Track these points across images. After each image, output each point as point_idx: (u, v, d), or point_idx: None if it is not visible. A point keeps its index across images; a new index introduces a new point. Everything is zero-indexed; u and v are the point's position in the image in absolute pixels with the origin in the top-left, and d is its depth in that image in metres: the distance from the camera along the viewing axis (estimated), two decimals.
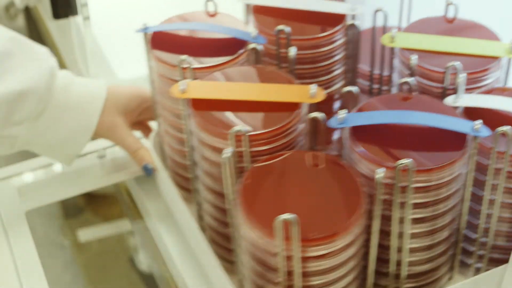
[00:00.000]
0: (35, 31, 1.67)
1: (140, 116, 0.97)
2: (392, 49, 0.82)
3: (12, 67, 0.86)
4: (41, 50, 0.89)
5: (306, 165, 0.71)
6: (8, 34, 0.87)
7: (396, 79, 0.83)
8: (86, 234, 1.87)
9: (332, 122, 0.71)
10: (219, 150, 0.72)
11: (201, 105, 0.75)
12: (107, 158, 1.02)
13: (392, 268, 0.74)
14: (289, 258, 0.65)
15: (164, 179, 0.91)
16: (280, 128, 0.72)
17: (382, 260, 0.73)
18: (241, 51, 0.82)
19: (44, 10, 1.41)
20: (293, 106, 0.74)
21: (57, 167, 1.02)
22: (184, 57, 0.78)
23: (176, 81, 0.78)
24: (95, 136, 0.95)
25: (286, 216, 0.62)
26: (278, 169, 0.71)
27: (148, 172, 0.95)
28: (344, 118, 0.71)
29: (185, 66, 0.78)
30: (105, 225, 1.86)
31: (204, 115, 0.74)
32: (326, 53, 0.83)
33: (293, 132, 0.73)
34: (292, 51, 0.79)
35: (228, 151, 0.69)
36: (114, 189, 1.14)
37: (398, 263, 0.74)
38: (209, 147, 0.74)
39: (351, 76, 0.87)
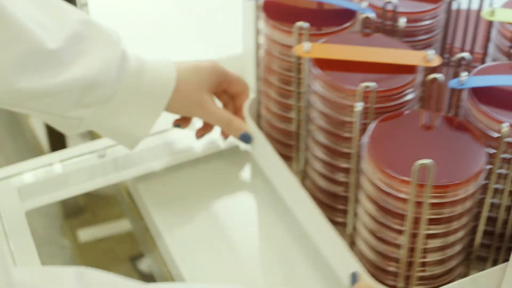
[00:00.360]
0: None
1: (218, 88, 0.98)
2: (490, 24, 0.86)
3: (84, 51, 0.86)
4: (112, 33, 0.89)
5: (427, 123, 0.76)
6: (80, 16, 0.87)
7: (492, 53, 0.88)
8: (86, 234, 1.87)
9: (454, 84, 0.76)
10: (342, 107, 0.78)
11: (324, 65, 0.80)
12: (107, 158, 1.02)
13: (498, 226, 0.78)
14: (418, 204, 0.70)
15: (264, 144, 0.94)
16: (403, 87, 0.78)
17: (490, 218, 0.78)
18: (349, 22, 0.87)
19: None
20: (410, 69, 0.79)
21: (57, 167, 1.01)
22: (301, 23, 0.82)
23: (290, 46, 0.84)
24: (186, 114, 0.97)
25: (424, 161, 0.67)
26: (401, 125, 0.76)
27: (247, 140, 0.97)
28: (465, 80, 0.76)
29: (302, 32, 0.82)
30: (105, 225, 1.86)
31: (329, 73, 0.79)
32: (426, 27, 0.88)
33: (413, 92, 0.79)
34: (402, 22, 0.84)
35: (359, 105, 0.74)
36: (114, 189, 1.14)
37: (505, 222, 0.78)
38: (332, 105, 0.79)
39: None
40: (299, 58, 0.84)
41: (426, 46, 0.88)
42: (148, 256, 1.17)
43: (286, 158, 0.92)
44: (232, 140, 1.01)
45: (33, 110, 0.88)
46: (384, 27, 0.86)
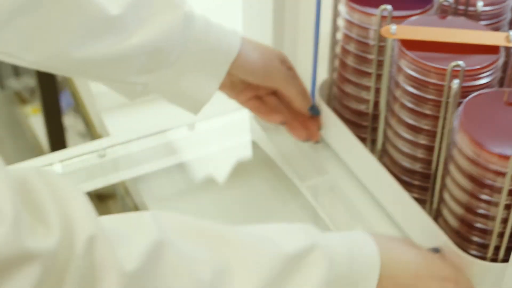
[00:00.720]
0: None
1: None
2: None
3: (147, 16, 0.84)
4: None
5: None
6: None
7: None
8: None
9: None
10: (428, 85, 0.81)
11: (409, 46, 0.83)
12: (107, 158, 1.02)
13: None
14: None
15: (339, 125, 0.96)
16: (488, 66, 0.81)
17: None
18: (428, 5, 0.90)
19: None
20: (493, 49, 0.82)
21: (57, 167, 1.01)
22: (384, 6, 0.85)
23: (368, 29, 0.88)
24: (255, 80, 0.94)
25: None
26: (491, 102, 0.79)
27: (316, 112, 0.97)
28: None
29: (385, 14, 0.85)
30: None
31: (416, 53, 0.82)
32: (498, 11, 0.91)
33: (496, 72, 0.82)
34: (480, 4, 0.87)
35: (456, 83, 0.77)
36: (114, 189, 1.14)
37: None
38: (419, 84, 0.82)
39: None
40: (380, 40, 0.87)
41: (495, 29, 0.91)
42: None
43: (359, 139, 0.94)
44: (231, 141, 1.03)
45: (97, 77, 0.88)
46: (457, 11, 0.90)
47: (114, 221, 0.59)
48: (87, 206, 0.54)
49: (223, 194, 0.99)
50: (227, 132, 1.08)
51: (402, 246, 0.76)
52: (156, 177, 1.00)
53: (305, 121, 0.98)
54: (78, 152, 1.01)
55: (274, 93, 0.98)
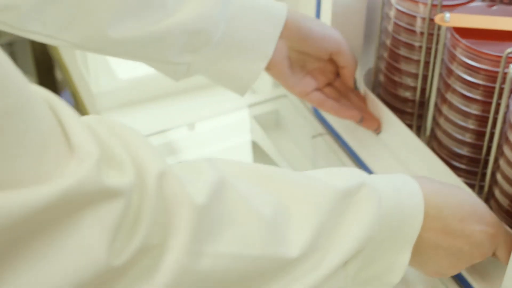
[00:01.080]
0: None
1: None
2: None
3: None
4: None
5: None
6: None
7: None
8: None
9: None
10: (480, 72, 0.83)
11: (462, 34, 0.85)
12: None
13: None
14: None
15: (387, 112, 0.97)
16: None
17: None
18: None
19: None
20: None
21: None
22: None
23: (415, 17, 0.91)
24: (314, 44, 0.92)
25: None
26: None
27: (357, 86, 0.97)
28: None
29: (435, 3, 0.88)
30: None
31: (470, 41, 0.84)
32: None
33: None
34: None
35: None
36: None
37: None
38: (472, 70, 0.84)
39: None
40: (430, 27, 0.89)
41: None
42: None
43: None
44: (232, 141, 1.05)
45: (138, 57, 0.88)
46: (503, 0, 0.92)
47: (174, 166, 0.59)
48: (153, 147, 0.55)
49: None
50: (227, 132, 1.10)
51: (450, 189, 0.76)
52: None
53: (350, 99, 0.99)
54: None
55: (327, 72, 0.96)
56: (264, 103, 1.12)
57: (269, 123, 1.08)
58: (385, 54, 0.97)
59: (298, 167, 1.00)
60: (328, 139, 1.03)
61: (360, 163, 1.00)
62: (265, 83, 1.14)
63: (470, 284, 0.83)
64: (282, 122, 1.11)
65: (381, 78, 1.00)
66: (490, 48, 0.83)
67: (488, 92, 0.84)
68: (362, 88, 0.99)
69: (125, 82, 1.16)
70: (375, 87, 1.02)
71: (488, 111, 0.85)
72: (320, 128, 1.05)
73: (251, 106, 1.12)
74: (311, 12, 0.99)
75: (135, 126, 1.04)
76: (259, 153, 1.05)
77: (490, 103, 0.84)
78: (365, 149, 1.01)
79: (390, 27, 0.95)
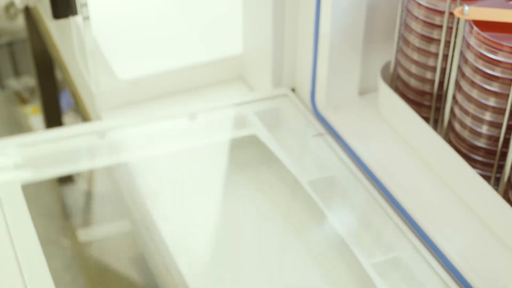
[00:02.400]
0: (35, 31, 1.67)
1: None
2: None
3: None
4: None
5: None
6: None
7: None
8: (86, 234, 1.85)
9: None
10: (498, 64, 0.85)
11: (480, 27, 0.86)
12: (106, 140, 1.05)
13: None
14: None
15: (403, 106, 0.98)
16: None
17: None
18: None
19: (44, 10, 1.35)
20: None
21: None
22: None
23: (433, 10, 0.92)
24: None
25: None
26: None
27: None
28: None
29: None
30: (105, 225, 1.85)
31: (488, 34, 0.85)
32: None
33: None
34: None
35: None
36: (115, 188, 1.16)
37: None
38: (490, 62, 0.85)
39: None
40: (449, 21, 0.90)
41: None
42: (148, 256, 1.20)
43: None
44: (233, 135, 1.06)
45: None
46: None
47: None
48: None
49: (224, 187, 1.00)
50: (228, 126, 1.10)
51: None
52: (155, 177, 1.01)
53: None
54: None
55: None
56: (264, 103, 1.12)
57: (270, 122, 1.08)
58: (404, 47, 0.99)
59: (298, 166, 1.00)
60: (328, 139, 1.04)
61: (364, 168, 1.00)
62: (265, 83, 1.14)
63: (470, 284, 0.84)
64: (282, 121, 1.10)
65: (400, 71, 1.01)
66: (508, 41, 0.84)
67: (506, 84, 0.86)
68: None
69: (125, 82, 1.16)
70: (393, 80, 1.03)
71: (505, 103, 0.86)
72: (320, 128, 1.05)
73: (251, 105, 1.11)
74: (311, 12, 1.00)
75: (135, 126, 1.06)
76: (260, 147, 1.05)
77: (507, 95, 0.86)
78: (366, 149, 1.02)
79: (409, 21, 0.96)
